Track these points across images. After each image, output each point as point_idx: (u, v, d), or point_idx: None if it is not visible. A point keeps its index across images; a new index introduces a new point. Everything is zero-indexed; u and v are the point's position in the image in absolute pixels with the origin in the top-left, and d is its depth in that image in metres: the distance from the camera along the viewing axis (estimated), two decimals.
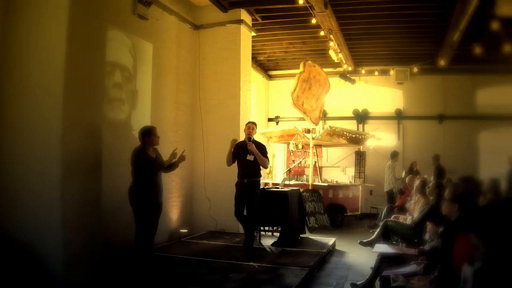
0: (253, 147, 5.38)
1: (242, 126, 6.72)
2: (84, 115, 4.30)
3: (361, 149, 10.28)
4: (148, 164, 4.48)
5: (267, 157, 5.59)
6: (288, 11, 7.53)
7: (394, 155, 9.46)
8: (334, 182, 9.47)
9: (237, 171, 5.56)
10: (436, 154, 8.86)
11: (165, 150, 4.95)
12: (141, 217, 4.42)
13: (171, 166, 4.89)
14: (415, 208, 5.43)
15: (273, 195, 6.31)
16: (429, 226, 3.63)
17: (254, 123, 5.67)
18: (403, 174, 9.00)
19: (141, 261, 4.43)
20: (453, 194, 3.04)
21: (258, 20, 7.98)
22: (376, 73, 10.59)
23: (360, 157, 10.17)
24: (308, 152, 9.50)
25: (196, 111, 7.39)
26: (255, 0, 7.31)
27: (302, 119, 9.63)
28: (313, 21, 7.21)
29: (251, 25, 7.74)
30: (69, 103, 4.07)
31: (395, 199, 8.58)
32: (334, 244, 6.53)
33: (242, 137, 6.16)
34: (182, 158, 4.89)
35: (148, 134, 4.55)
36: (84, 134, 4.31)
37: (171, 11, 6.64)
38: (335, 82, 10.30)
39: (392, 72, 10.48)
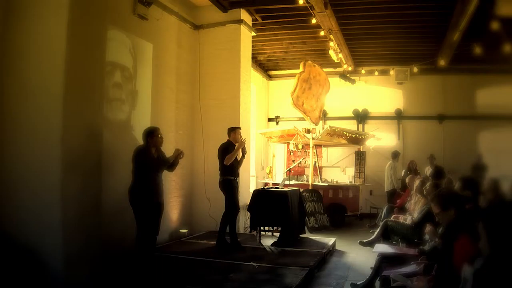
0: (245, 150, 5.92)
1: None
2: (84, 115, 4.30)
3: (361, 149, 10.29)
4: (149, 163, 4.50)
5: None
6: (288, 11, 7.53)
7: (395, 155, 9.46)
8: (334, 182, 9.47)
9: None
10: (431, 154, 8.85)
11: (165, 150, 4.94)
12: (141, 217, 4.43)
13: (172, 165, 4.91)
14: (415, 208, 5.42)
15: (273, 195, 6.30)
16: (427, 228, 3.62)
17: None
18: (403, 174, 9.01)
19: (142, 261, 4.43)
20: (441, 203, 2.98)
21: (258, 20, 7.98)
22: (376, 73, 10.58)
23: (360, 157, 10.17)
24: (308, 152, 9.50)
25: (196, 111, 7.39)
26: (255, 0, 7.31)
27: (302, 119, 9.63)
28: (313, 21, 7.22)
29: (251, 25, 7.74)
30: (69, 103, 4.06)
31: (397, 198, 8.57)
32: (334, 244, 6.53)
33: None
34: (179, 155, 4.90)
35: (151, 135, 4.59)
36: (84, 134, 4.30)
37: (171, 11, 6.64)
38: (335, 82, 10.29)
39: (392, 72, 10.47)
